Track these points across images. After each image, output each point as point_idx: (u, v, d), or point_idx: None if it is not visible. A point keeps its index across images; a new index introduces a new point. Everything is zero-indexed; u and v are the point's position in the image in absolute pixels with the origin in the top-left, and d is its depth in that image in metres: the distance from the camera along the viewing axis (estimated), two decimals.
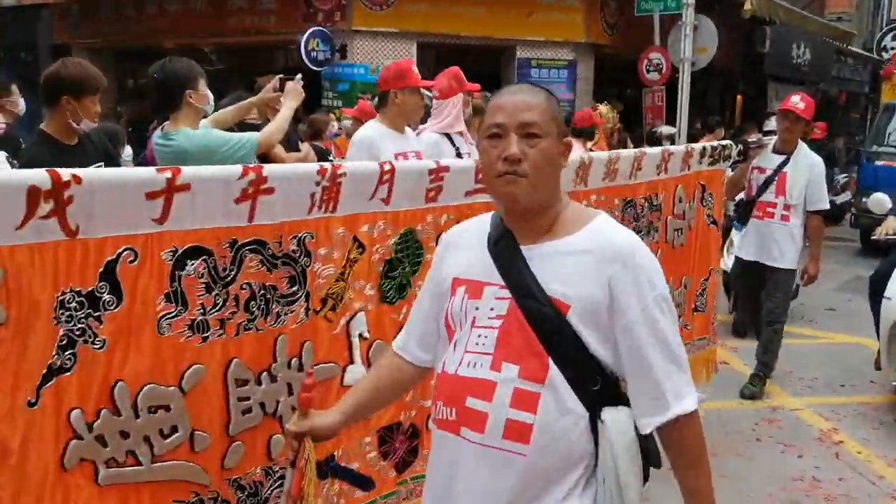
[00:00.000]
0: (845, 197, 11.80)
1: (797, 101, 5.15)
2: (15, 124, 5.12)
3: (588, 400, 1.64)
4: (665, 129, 10.43)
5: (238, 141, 3.49)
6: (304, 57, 10.71)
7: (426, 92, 4.36)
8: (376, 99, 4.88)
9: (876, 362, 5.23)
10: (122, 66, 14.19)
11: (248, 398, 2.17)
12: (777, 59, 15.11)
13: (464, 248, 1.82)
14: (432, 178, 2.57)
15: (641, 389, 1.66)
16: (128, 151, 5.69)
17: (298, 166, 2.28)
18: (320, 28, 10.98)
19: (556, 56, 11.81)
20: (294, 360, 2.28)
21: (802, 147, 5.19)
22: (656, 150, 3.84)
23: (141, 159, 5.25)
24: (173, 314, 1.97)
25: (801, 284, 5.56)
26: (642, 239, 3.47)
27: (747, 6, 11.89)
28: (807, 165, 5.10)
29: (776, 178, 5.13)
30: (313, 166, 2.25)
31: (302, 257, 2.25)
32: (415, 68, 4.17)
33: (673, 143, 10.25)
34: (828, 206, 5.15)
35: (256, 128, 4.10)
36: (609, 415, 1.64)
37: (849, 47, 19.20)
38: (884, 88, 12.88)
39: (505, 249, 1.72)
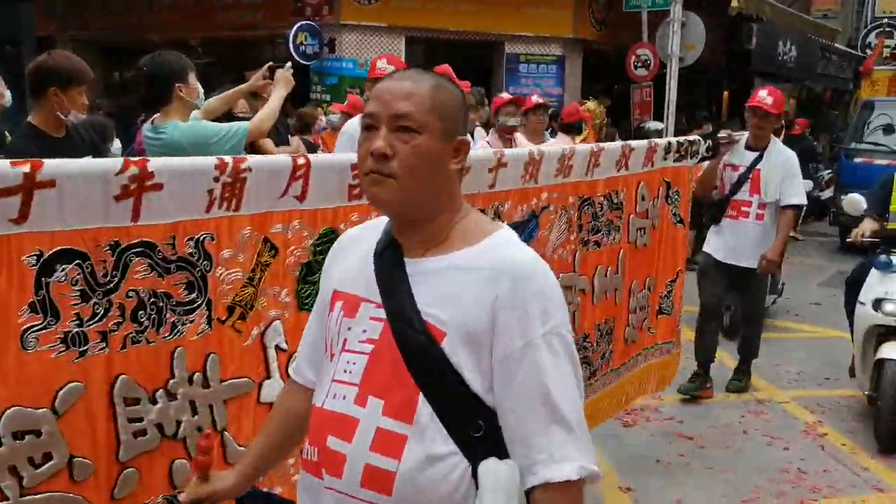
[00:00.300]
0: (829, 193, 11.88)
1: (765, 96, 4.97)
2: (0, 118, 5.08)
3: (467, 446, 1.37)
4: (653, 125, 10.49)
5: (228, 130, 3.49)
6: (292, 51, 10.68)
7: None
8: (365, 94, 4.92)
9: (850, 369, 5.05)
10: (108, 60, 14.10)
11: (141, 419, 1.92)
12: (763, 55, 15.20)
13: (351, 256, 1.57)
14: (356, 173, 2.18)
15: (510, 437, 1.39)
16: (116, 145, 5.65)
17: (192, 159, 2.08)
18: (309, 22, 10.96)
19: (545, 51, 11.84)
20: (197, 374, 2.02)
21: (775, 143, 5.06)
22: (615, 144, 3.65)
23: (129, 153, 5.23)
24: (41, 326, 1.73)
25: (757, 270, 5.18)
26: (603, 239, 3.49)
27: (734, 3, 11.97)
28: (780, 161, 4.94)
29: (750, 176, 4.96)
30: (210, 160, 2.01)
31: (201, 261, 2.01)
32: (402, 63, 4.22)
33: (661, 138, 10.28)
34: (803, 201, 5.00)
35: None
36: (486, 467, 1.36)
37: (834, 44, 19.33)
38: (863, 85, 12.93)
39: (387, 262, 1.48)
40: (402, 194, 1.39)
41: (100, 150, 3.88)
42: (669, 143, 3.91)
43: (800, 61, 16.69)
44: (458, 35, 11.40)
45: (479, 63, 11.78)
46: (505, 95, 6.41)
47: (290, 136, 7.26)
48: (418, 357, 1.38)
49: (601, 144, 3.46)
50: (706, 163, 4.92)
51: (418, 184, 1.39)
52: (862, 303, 4.64)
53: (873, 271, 4.65)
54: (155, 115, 3.54)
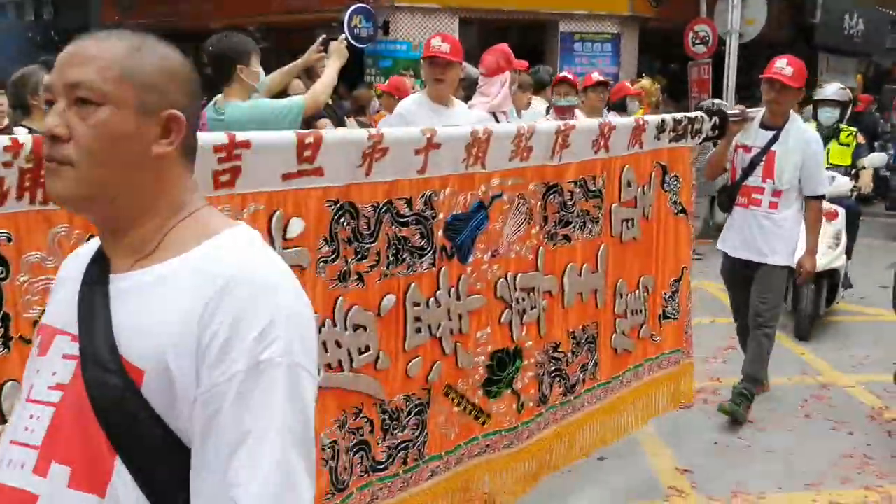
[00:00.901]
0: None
1: (783, 66, 4.30)
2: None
3: None
4: (715, 103, 10.27)
5: (285, 105, 3.57)
6: (347, 34, 10.74)
7: (472, 68, 4.37)
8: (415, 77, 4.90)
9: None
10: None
11: None
12: (828, 29, 14.74)
13: (67, 280, 1.22)
14: (222, 156, 1.92)
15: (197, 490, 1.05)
16: None
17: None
18: (363, 5, 10.99)
19: (600, 29, 11.67)
20: None
21: (795, 120, 4.41)
22: (591, 122, 3.22)
23: None
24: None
25: (796, 282, 4.92)
26: (576, 232, 2.99)
27: None
28: (800, 143, 4.29)
29: (763, 159, 4.32)
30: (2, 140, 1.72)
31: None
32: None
33: None
34: (826, 191, 4.47)
35: None
36: None
37: None
38: None
39: (89, 280, 1.16)
40: (82, 186, 1.08)
41: None
42: (663, 121, 3.39)
43: (867, 35, 16.12)
44: (513, 14, 11.32)
45: (534, 43, 11.69)
46: (560, 75, 6.37)
47: (346, 118, 7.34)
48: (111, 408, 1.05)
49: (570, 122, 3.02)
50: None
51: (103, 173, 1.08)
52: None
53: None
54: (217, 97, 3.62)
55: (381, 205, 2.28)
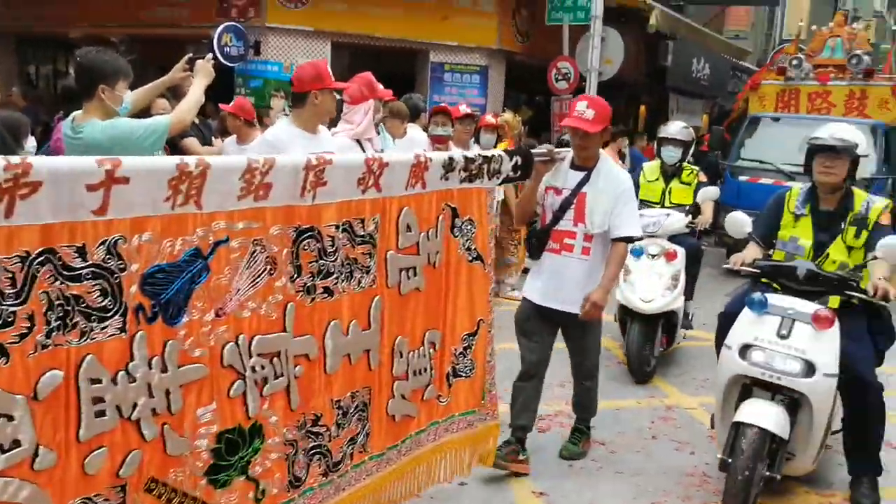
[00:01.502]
0: None
1: (583, 109, 4.00)
2: None
3: None
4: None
5: (147, 127, 3.47)
6: (217, 52, 10.54)
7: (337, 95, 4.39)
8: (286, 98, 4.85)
9: (711, 419, 4.35)
10: (25, 52, 13.60)
11: None
12: (678, 72, 15.81)
13: None
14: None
15: None
16: (31, 142, 5.50)
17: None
18: (234, 23, 10.83)
19: (469, 61, 12.01)
20: None
21: (605, 162, 4.14)
22: (355, 157, 2.91)
23: (45, 150, 5.11)
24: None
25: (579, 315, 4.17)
26: (339, 284, 2.56)
27: (652, 21, 12.41)
28: (611, 184, 4.05)
29: (574, 202, 4.06)
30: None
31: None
32: (329, 69, 4.22)
33: None
34: (637, 233, 4.17)
35: None
36: None
37: (744, 63, 20.21)
38: (751, 99, 12.09)
39: None
40: None
41: (10, 148, 3.79)
42: (451, 160, 3.03)
43: (712, 79, 17.40)
44: (385, 41, 11.46)
45: (406, 71, 11.88)
46: (438, 105, 6.56)
47: (213, 138, 7.20)
48: None
49: (326, 156, 2.57)
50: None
51: None
52: (728, 346, 3.92)
53: (745, 310, 3.96)
54: (76, 113, 3.50)
55: (32, 255, 1.77)
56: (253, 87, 11.09)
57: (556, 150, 4.11)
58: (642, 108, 17.56)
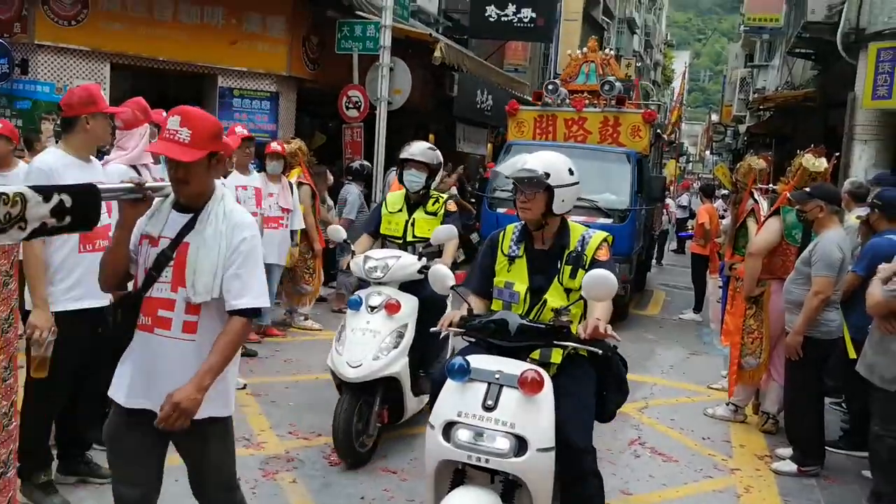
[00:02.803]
0: None
1: (176, 127, 2.81)
2: None
3: None
4: (364, 164, 10.97)
5: None
6: None
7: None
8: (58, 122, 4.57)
9: None
10: None
11: None
12: (464, 103, 16.62)
13: None
14: None
15: None
16: None
17: None
18: None
19: (259, 87, 11.92)
20: None
21: (223, 199, 2.95)
22: None
23: None
24: None
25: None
26: None
27: (437, 53, 12.98)
28: (225, 231, 2.88)
29: (174, 257, 2.86)
30: None
31: None
32: (102, 92, 4.09)
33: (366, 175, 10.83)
34: (263, 303, 2.91)
35: None
36: None
37: (525, 97, 21.60)
38: (510, 126, 11.64)
39: None
40: None
41: None
42: None
43: (495, 109, 18.42)
44: (169, 64, 11.10)
45: (193, 94, 11.56)
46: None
47: None
48: None
49: None
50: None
51: None
52: (431, 425, 3.19)
53: (449, 382, 3.22)
54: None
55: None
56: (20, 109, 10.30)
57: (153, 184, 3.01)
58: (431, 136, 18.24)
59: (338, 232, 5.58)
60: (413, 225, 5.47)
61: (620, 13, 43.61)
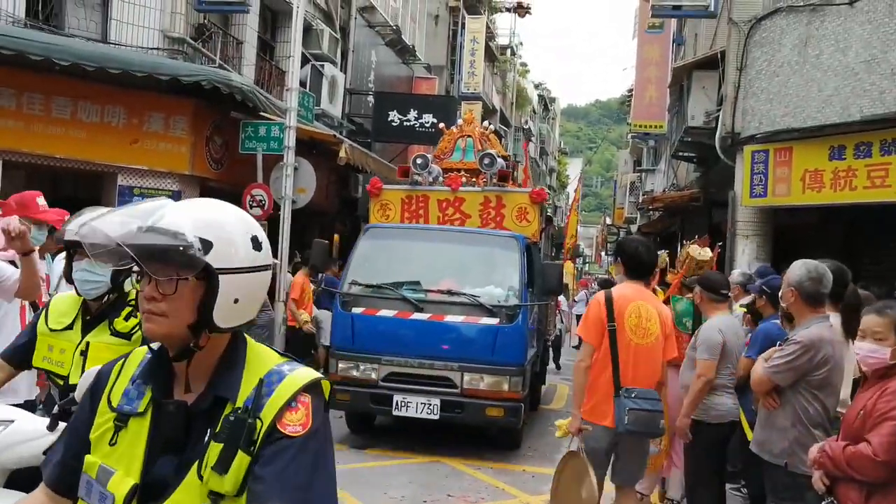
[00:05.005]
0: None
1: None
2: None
3: None
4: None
5: None
6: None
7: None
8: None
9: None
10: None
11: None
12: (368, 203, 16.82)
13: None
14: None
15: None
16: None
17: None
18: None
19: (160, 185, 11.80)
20: None
21: None
22: None
23: None
24: None
25: None
26: None
27: (342, 154, 13.23)
28: None
29: None
30: None
31: None
32: None
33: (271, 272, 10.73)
34: None
35: None
36: None
37: None
38: (373, 208, 10.25)
39: None
40: None
41: None
42: None
43: None
44: (65, 162, 10.87)
45: (91, 193, 11.32)
46: None
47: None
48: None
49: None
50: None
51: None
52: None
53: None
54: None
55: None
56: None
57: None
58: (335, 236, 18.32)
59: None
60: (86, 355, 3.16)
61: (516, 122, 45.86)
